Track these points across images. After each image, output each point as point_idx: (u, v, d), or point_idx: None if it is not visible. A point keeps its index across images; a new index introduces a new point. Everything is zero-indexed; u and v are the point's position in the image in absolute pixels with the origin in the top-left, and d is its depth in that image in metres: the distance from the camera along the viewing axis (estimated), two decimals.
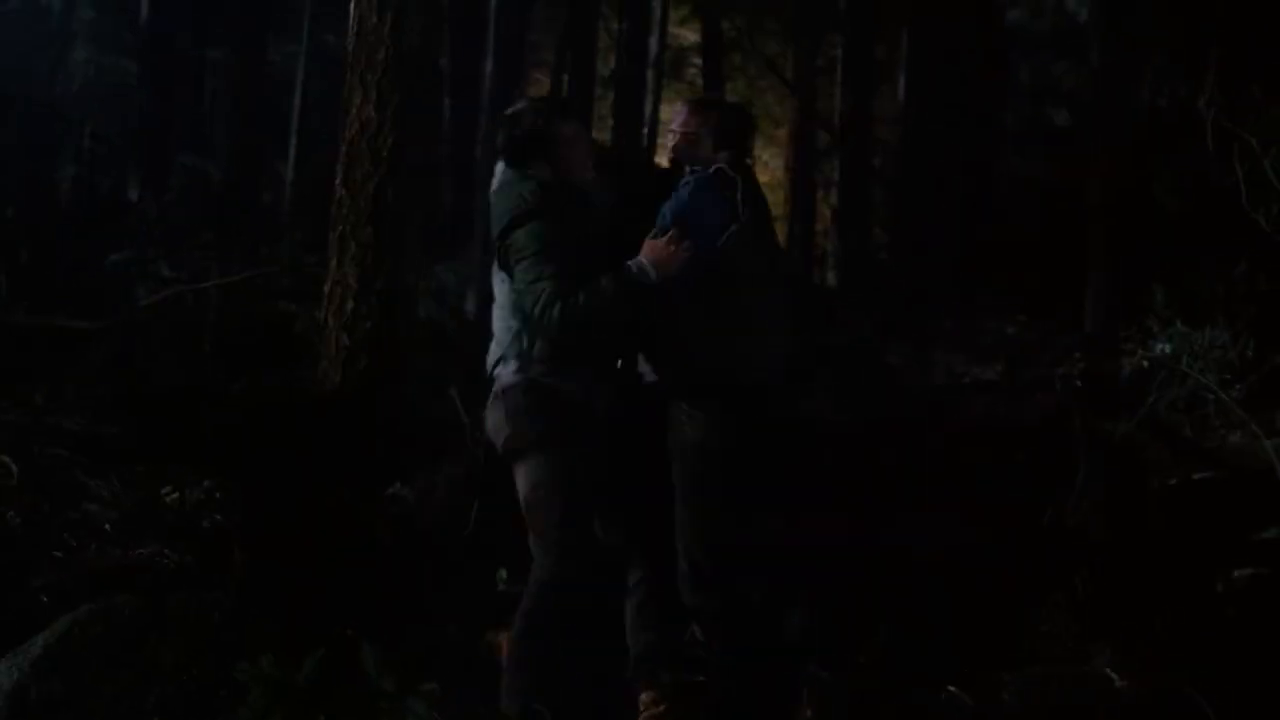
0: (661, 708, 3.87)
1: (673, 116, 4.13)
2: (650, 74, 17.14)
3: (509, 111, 3.93)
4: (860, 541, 5.06)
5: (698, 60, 21.30)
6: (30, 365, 6.35)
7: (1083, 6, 16.39)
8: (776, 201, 23.40)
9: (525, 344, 3.73)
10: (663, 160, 4.18)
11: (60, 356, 6.49)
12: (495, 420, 3.81)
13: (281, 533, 4.55)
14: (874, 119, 17.81)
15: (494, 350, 3.85)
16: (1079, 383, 7.92)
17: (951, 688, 4.04)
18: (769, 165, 24.80)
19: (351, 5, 5.74)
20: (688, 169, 4.03)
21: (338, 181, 5.69)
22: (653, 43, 17.18)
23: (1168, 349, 7.43)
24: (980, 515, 5.42)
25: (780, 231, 21.68)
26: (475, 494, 4.87)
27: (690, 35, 21.97)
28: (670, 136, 4.10)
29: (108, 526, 4.42)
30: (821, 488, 5.63)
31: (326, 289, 5.70)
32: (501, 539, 4.47)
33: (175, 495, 4.69)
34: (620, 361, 3.99)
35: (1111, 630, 4.31)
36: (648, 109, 17.08)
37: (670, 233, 3.76)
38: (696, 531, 3.94)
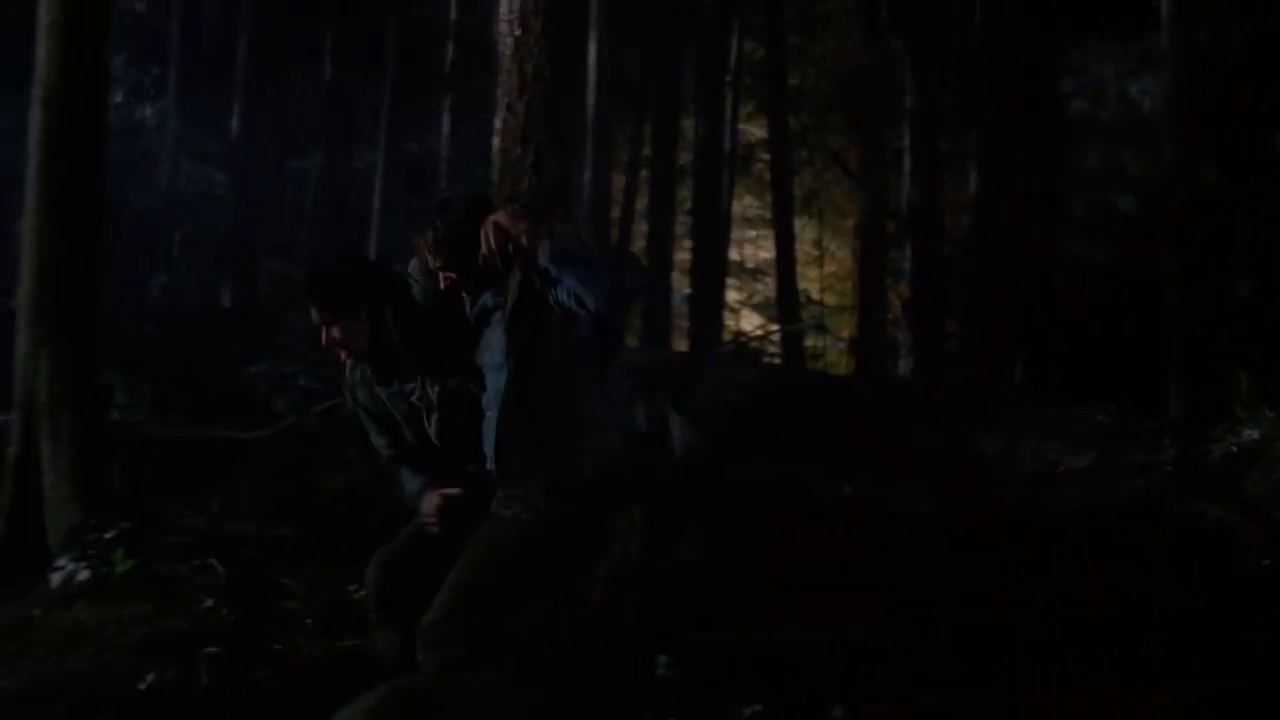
0: None
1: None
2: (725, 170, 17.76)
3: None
4: (955, 629, 5.33)
5: (765, 155, 21.93)
6: (199, 474, 6.91)
7: (1145, 96, 16.84)
8: (844, 292, 23.93)
9: None
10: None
11: (226, 465, 7.04)
12: None
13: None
14: (943, 209, 18.25)
15: None
16: (1170, 468, 8.23)
17: None
18: (836, 256, 25.35)
19: (495, 140, 6.31)
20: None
21: None
22: (725, 139, 17.83)
23: (1255, 435, 7.79)
24: (1076, 598, 5.70)
25: (850, 322, 22.17)
26: (629, 585, 5.31)
27: (757, 131, 22.64)
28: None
29: (309, 621, 4.91)
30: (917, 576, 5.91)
31: None
32: (664, 626, 4.92)
33: (363, 592, 5.16)
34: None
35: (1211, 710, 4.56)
36: (723, 203, 17.68)
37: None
38: None
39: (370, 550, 5.17)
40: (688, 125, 19.44)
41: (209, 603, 4.95)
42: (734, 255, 22.17)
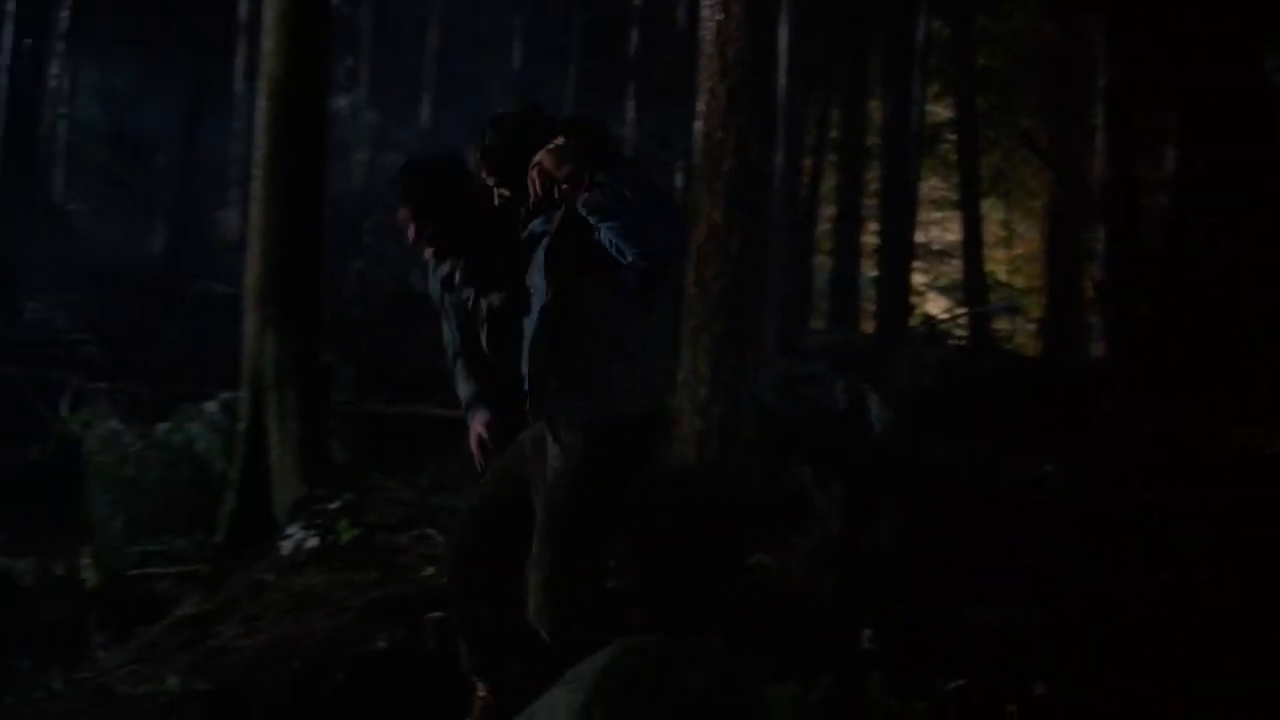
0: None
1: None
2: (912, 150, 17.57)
3: None
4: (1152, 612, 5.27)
5: (952, 135, 21.63)
6: (407, 449, 7.20)
7: None
8: (1033, 274, 23.47)
9: None
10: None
11: (431, 441, 7.31)
12: None
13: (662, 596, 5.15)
14: (1137, 188, 17.77)
15: None
16: None
17: None
18: (1024, 237, 24.84)
19: (697, 123, 6.41)
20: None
21: (689, 280, 6.35)
22: (912, 119, 17.63)
23: None
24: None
25: (1039, 304, 21.74)
26: (830, 562, 5.40)
27: (944, 111, 22.33)
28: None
29: None
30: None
31: (680, 377, 6.33)
32: (863, 602, 4.98)
33: None
34: None
35: None
36: (911, 184, 17.50)
37: None
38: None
39: None
40: (874, 107, 19.30)
41: (430, 570, 5.17)
42: (920, 237, 21.87)
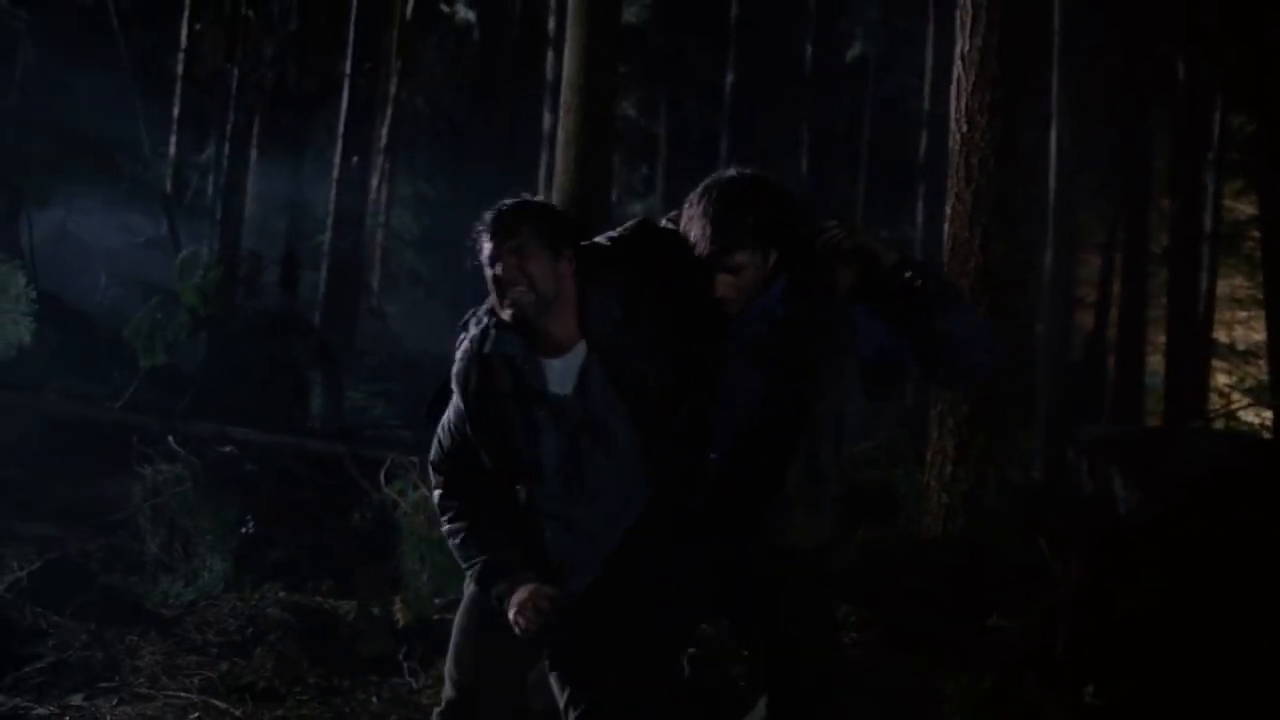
0: None
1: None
2: (1205, 249, 17.44)
3: None
4: None
5: (1255, 233, 21.14)
6: None
7: None
8: None
9: None
10: None
11: None
12: None
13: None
14: None
15: None
16: None
17: None
18: None
19: (945, 225, 7.03)
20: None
21: None
22: (1206, 219, 17.52)
23: None
24: None
25: None
26: (1064, 622, 5.83)
27: (1247, 208, 21.86)
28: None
29: None
30: None
31: (929, 456, 6.91)
32: (1089, 661, 5.40)
33: None
34: None
35: None
36: (1203, 284, 17.35)
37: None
38: None
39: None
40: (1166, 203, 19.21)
41: None
42: (1223, 337, 21.38)
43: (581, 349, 3.03)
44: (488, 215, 3.04)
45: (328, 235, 15.17)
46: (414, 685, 5.43)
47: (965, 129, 6.85)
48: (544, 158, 21.01)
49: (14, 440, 8.75)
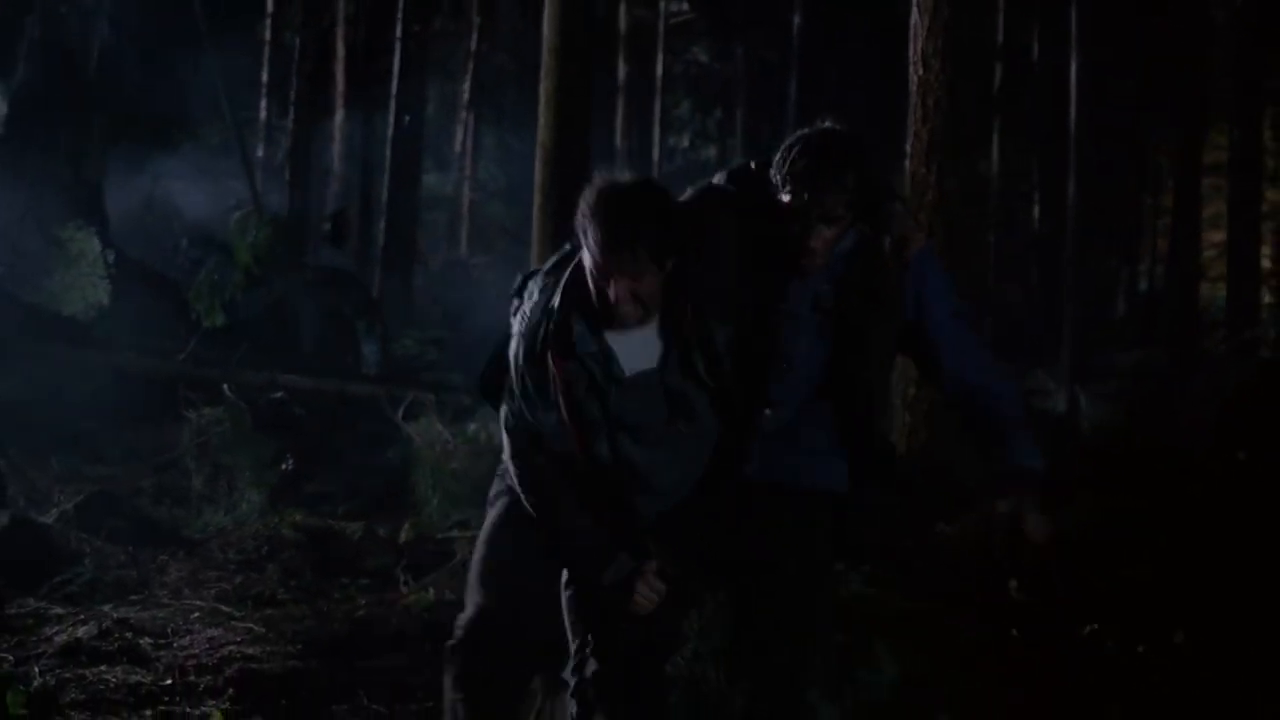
0: None
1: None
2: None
3: None
4: None
5: None
6: None
7: None
8: None
9: None
10: None
11: None
12: None
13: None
14: None
15: None
16: None
17: None
18: None
19: (906, 162, 7.46)
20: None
21: None
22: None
23: None
24: None
25: None
26: (996, 531, 6.32)
27: None
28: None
29: None
30: None
31: (892, 377, 7.40)
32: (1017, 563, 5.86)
33: None
34: None
35: None
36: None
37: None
38: None
39: None
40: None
41: None
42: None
43: (655, 321, 3.01)
44: (600, 211, 2.87)
45: (384, 191, 15.94)
46: (403, 593, 6.09)
47: (921, 71, 7.26)
48: (620, 106, 21.65)
49: (89, 394, 9.57)
